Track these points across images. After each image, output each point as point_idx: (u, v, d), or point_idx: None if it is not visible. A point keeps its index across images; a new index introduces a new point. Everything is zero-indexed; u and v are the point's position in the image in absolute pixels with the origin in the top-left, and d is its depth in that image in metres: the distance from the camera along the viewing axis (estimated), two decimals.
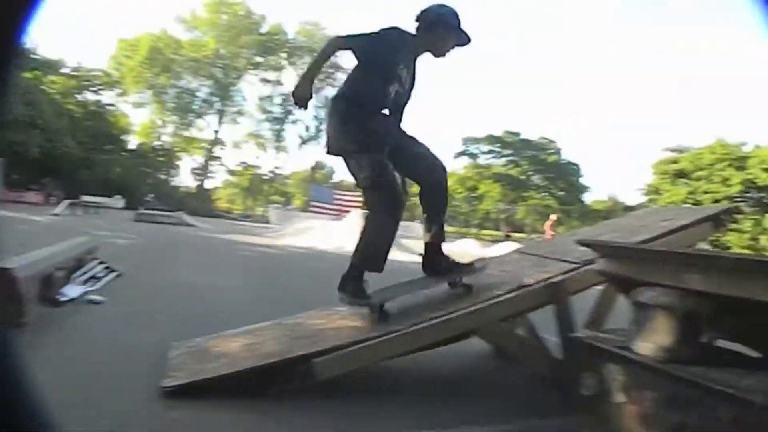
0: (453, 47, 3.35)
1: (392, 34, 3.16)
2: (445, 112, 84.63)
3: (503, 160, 52.32)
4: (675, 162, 41.36)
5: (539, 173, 52.10)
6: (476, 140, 51.20)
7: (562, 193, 51.41)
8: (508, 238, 37.18)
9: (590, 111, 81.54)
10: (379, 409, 2.75)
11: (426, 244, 3.43)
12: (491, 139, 51.12)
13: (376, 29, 3.14)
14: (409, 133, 3.44)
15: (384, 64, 3.17)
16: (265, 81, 53.56)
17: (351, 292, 3.13)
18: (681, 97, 75.68)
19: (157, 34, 48.69)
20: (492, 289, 3.17)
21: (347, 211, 22.21)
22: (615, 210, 44.50)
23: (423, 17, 3.23)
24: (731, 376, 2.28)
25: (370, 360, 2.82)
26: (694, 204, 38.01)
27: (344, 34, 3.16)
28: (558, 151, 51.80)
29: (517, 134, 50.66)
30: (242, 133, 54.83)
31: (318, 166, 58.65)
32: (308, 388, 2.68)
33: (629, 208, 41.25)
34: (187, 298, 5.31)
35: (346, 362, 2.71)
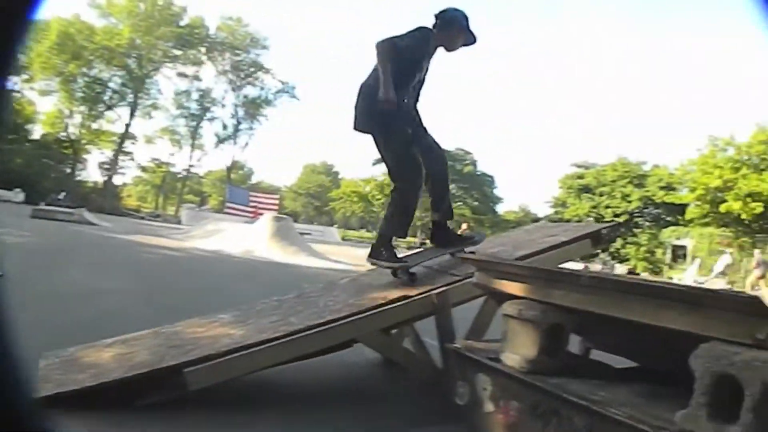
0: (462, 45, 3.87)
1: (421, 33, 3.67)
2: None
3: None
4: (581, 177, 43.70)
5: (455, 183, 53.18)
6: None
7: (476, 203, 53.00)
8: (423, 245, 37.81)
9: (510, 122, 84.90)
10: (253, 420, 2.71)
11: (434, 222, 3.98)
12: None
13: (407, 30, 3.66)
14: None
15: (414, 59, 3.66)
16: (183, 75, 51.52)
17: (387, 257, 3.60)
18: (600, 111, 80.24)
19: (68, 19, 45.70)
20: (376, 299, 3.20)
21: (262, 214, 21.83)
22: (525, 221, 46.37)
23: (441, 17, 3.73)
24: (589, 387, 2.40)
25: (245, 370, 2.76)
26: (596, 217, 40.29)
27: (383, 38, 3.54)
28: (473, 163, 53.36)
29: None
30: (156, 128, 52.47)
31: (235, 167, 57.36)
32: (183, 399, 2.60)
33: (537, 220, 43.16)
34: (72, 303, 5.01)
35: (219, 372, 2.64)
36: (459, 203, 53.06)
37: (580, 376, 2.54)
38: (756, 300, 1.83)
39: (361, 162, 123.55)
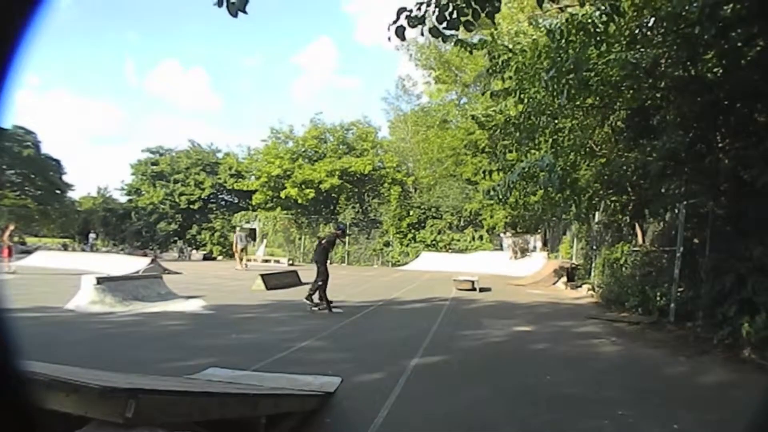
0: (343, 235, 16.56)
1: (335, 236, 13.53)
2: None
3: None
4: (155, 163, 42.56)
5: (13, 168, 44.65)
6: None
7: (39, 192, 45.61)
8: None
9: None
10: None
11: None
12: None
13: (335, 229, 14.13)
14: None
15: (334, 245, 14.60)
16: None
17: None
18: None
19: None
20: None
21: None
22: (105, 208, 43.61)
23: (339, 226, 14.20)
24: None
25: None
26: (171, 205, 40.28)
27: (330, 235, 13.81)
28: (36, 145, 45.64)
29: None
30: None
31: None
32: None
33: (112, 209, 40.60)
34: None
35: None
36: (19, 192, 45.13)
37: None
38: (114, 389, 1.85)
39: None
